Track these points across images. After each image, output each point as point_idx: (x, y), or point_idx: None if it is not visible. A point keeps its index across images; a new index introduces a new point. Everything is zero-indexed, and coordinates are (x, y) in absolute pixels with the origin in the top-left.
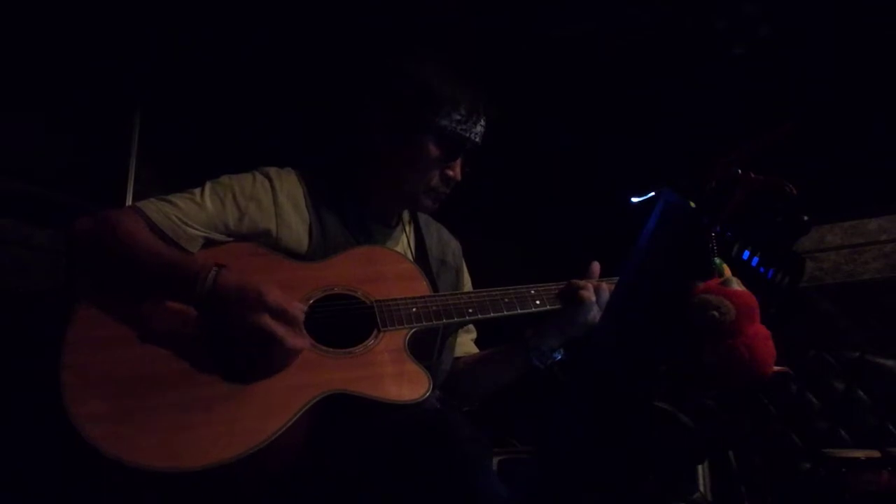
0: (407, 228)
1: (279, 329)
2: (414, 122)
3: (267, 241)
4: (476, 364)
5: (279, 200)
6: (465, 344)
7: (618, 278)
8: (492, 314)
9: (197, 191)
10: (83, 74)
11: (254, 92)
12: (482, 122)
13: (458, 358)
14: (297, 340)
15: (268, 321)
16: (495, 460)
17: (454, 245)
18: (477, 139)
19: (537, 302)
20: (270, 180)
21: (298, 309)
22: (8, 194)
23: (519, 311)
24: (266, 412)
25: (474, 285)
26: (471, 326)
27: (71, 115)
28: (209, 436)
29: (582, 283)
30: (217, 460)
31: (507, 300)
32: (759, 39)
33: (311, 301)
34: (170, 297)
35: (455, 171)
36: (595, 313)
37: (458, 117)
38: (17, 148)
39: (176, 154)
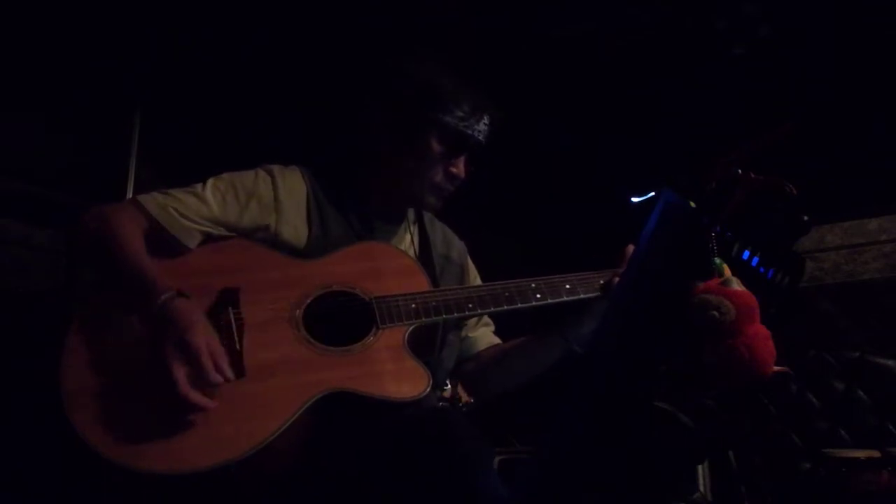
0: (411, 226)
1: (180, 370)
2: (415, 120)
3: (266, 236)
4: (509, 354)
5: (280, 197)
6: (487, 336)
7: None
8: (492, 309)
9: (199, 185)
10: (83, 74)
11: (254, 92)
12: (486, 121)
13: (483, 350)
14: (188, 390)
15: (172, 355)
16: (495, 460)
17: (459, 244)
18: (480, 137)
19: (538, 295)
20: (273, 177)
21: (210, 364)
22: (8, 194)
23: (519, 304)
24: (266, 412)
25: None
26: (487, 318)
27: (71, 115)
28: (209, 437)
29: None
30: (217, 461)
31: (507, 294)
32: (759, 39)
33: (310, 299)
34: (131, 301)
35: (459, 169)
36: None
37: (461, 114)
38: (17, 148)
39: (176, 154)
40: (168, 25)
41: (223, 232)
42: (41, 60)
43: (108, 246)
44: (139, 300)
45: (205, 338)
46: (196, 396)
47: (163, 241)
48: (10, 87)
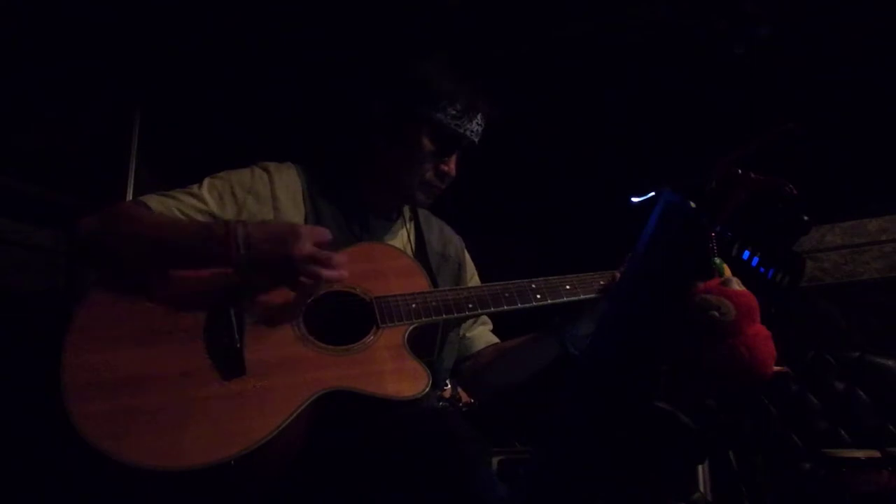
0: (407, 223)
1: (321, 253)
2: (408, 117)
3: None
4: (506, 354)
5: (277, 194)
6: (484, 335)
7: None
8: (492, 309)
9: (195, 186)
10: (83, 74)
11: (253, 92)
12: (479, 120)
13: (481, 350)
14: (337, 256)
15: (310, 249)
16: (495, 460)
17: (456, 240)
18: (472, 136)
19: (538, 296)
20: (269, 173)
21: (326, 232)
22: (8, 194)
23: (519, 305)
24: (265, 410)
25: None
26: (485, 318)
27: (71, 114)
28: (208, 434)
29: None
30: (216, 459)
31: (507, 295)
32: (759, 39)
33: (311, 299)
34: (202, 263)
35: (450, 167)
36: None
37: (454, 112)
38: (17, 148)
39: (176, 154)
40: (168, 25)
41: None
42: (41, 60)
43: (135, 231)
44: (210, 252)
45: (305, 228)
46: (339, 256)
47: None
48: (10, 86)
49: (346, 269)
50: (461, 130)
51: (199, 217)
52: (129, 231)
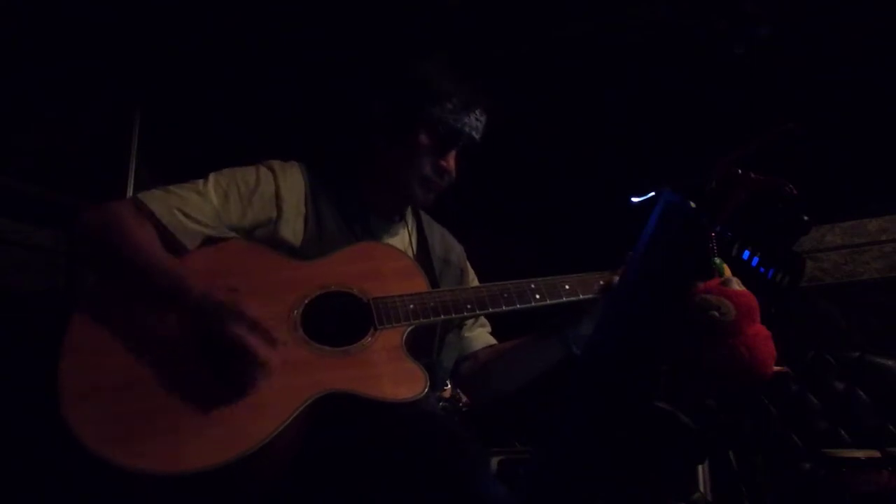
0: (409, 227)
1: (251, 339)
2: (406, 113)
3: (266, 233)
4: (504, 355)
5: (281, 192)
6: (483, 336)
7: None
8: (490, 310)
9: (201, 182)
10: (83, 74)
11: (253, 91)
12: (478, 116)
13: (479, 351)
14: (267, 352)
15: (242, 331)
16: (495, 460)
17: (458, 248)
18: (472, 133)
19: (537, 296)
20: (273, 172)
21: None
22: (8, 194)
23: (518, 305)
24: (262, 414)
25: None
26: (483, 319)
27: (71, 114)
28: (206, 439)
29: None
30: (215, 463)
31: (506, 295)
32: (759, 39)
33: (308, 300)
34: (157, 302)
35: (449, 163)
36: None
37: (450, 107)
38: (17, 148)
39: (176, 154)
40: (168, 25)
41: (225, 233)
42: (41, 60)
43: (120, 248)
44: (170, 296)
45: (256, 310)
46: (270, 352)
47: (163, 241)
48: (10, 86)
49: (275, 357)
50: (459, 125)
51: (204, 220)
52: (116, 247)
